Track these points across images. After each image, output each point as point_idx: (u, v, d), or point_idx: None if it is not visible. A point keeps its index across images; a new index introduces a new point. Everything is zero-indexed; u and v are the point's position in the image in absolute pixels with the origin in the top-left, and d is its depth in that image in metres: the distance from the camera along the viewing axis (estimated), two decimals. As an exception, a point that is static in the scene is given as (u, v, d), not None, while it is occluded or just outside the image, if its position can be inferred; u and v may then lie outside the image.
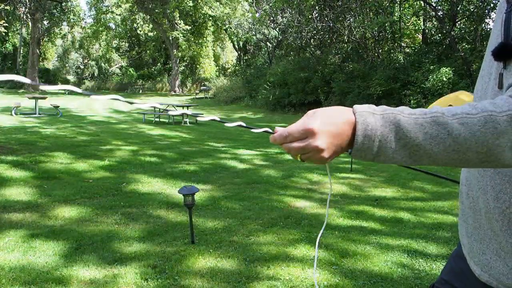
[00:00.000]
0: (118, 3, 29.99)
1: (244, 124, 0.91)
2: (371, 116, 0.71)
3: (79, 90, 0.80)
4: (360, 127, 0.70)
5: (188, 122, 14.01)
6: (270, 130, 0.82)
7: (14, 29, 36.67)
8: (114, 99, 0.79)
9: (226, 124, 0.89)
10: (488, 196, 0.87)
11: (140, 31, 34.63)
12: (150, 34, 34.94)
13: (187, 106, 14.09)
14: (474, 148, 0.68)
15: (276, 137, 0.74)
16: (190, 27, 28.56)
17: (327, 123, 0.70)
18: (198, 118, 0.91)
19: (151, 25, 33.09)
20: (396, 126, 0.70)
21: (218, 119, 0.91)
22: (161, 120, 14.48)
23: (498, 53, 0.85)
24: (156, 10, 27.49)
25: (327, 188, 5.32)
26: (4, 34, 31.21)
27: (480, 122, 0.68)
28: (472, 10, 15.80)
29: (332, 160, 0.74)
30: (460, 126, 0.68)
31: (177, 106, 14.03)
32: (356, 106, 0.73)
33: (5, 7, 24.56)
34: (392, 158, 0.71)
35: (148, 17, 29.82)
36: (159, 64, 37.43)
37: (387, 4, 17.47)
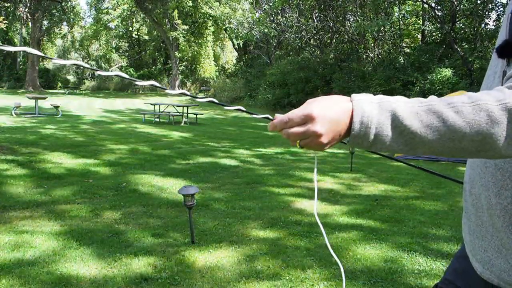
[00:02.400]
0: (117, 3, 29.98)
1: (243, 109, 0.94)
2: (368, 104, 0.72)
3: (87, 66, 0.83)
4: (356, 114, 0.72)
5: (188, 122, 14.01)
6: (271, 117, 0.84)
7: (14, 29, 36.66)
8: (118, 75, 0.82)
9: (225, 108, 0.92)
10: (490, 193, 0.88)
11: (136, 34, 34.62)
12: (146, 37, 34.89)
13: (187, 106, 14.09)
14: (469, 137, 0.69)
15: (276, 123, 0.76)
16: (189, 27, 28.54)
17: (326, 110, 0.72)
18: (197, 100, 0.94)
19: (148, 29, 33.11)
20: (392, 114, 0.71)
21: (217, 101, 0.94)
22: (161, 120, 14.48)
23: (501, 51, 0.86)
24: (157, 11, 27.48)
25: (327, 188, 5.32)
26: (4, 33, 31.21)
27: (475, 111, 0.69)
28: (472, 10, 15.79)
29: (330, 146, 0.75)
30: (455, 115, 0.69)
31: (177, 106, 14.02)
32: (354, 95, 0.75)
33: (5, 4, 24.55)
34: (388, 146, 0.73)
35: (148, 18, 29.81)
36: (159, 64, 37.41)
37: (387, 5, 17.47)
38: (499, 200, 0.86)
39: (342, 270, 1.01)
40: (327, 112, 0.72)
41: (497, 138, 0.69)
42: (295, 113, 0.74)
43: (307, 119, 0.72)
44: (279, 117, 0.76)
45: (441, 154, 0.73)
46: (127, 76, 0.84)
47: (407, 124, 0.70)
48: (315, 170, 0.79)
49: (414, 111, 0.71)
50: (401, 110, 0.71)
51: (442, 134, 0.70)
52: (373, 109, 0.71)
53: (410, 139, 0.71)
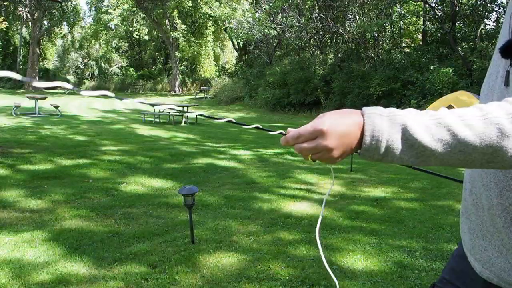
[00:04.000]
0: (117, 3, 29.99)
1: (261, 127, 0.96)
2: (379, 118, 0.73)
3: (70, 86, 0.83)
4: (367, 128, 0.72)
5: (188, 122, 14.00)
6: (284, 132, 0.85)
7: (14, 29, 36.69)
8: (104, 95, 0.83)
9: (244, 126, 0.94)
10: (491, 193, 0.88)
11: (137, 35, 34.61)
12: (146, 38, 34.87)
13: (187, 106, 14.09)
14: (480, 150, 0.70)
15: (288, 138, 0.77)
16: (189, 27, 28.55)
17: (336, 124, 0.73)
18: (215, 121, 0.97)
19: (148, 29, 33.08)
20: (402, 127, 0.72)
21: (234, 120, 0.96)
22: (161, 120, 14.48)
23: (505, 50, 0.87)
24: (157, 11, 27.47)
25: (327, 188, 5.32)
26: (4, 33, 31.24)
27: (486, 124, 0.69)
28: (472, 10, 15.79)
29: (342, 159, 0.76)
30: (465, 128, 0.70)
31: (177, 106, 14.02)
32: (364, 108, 0.75)
33: (4, 3, 24.57)
34: (399, 158, 0.73)
35: (148, 18, 29.80)
36: (159, 64, 37.41)
37: (387, 5, 17.46)
38: (501, 201, 0.86)
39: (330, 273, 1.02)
40: (338, 126, 0.73)
41: (508, 151, 0.70)
42: (306, 128, 0.75)
43: (318, 134, 0.73)
44: (290, 132, 0.77)
45: (451, 165, 0.74)
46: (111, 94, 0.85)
47: (418, 137, 0.71)
48: (332, 181, 0.79)
49: (424, 124, 0.71)
50: (412, 124, 0.71)
51: (453, 147, 0.70)
52: (384, 123, 0.72)
53: (421, 152, 0.72)
